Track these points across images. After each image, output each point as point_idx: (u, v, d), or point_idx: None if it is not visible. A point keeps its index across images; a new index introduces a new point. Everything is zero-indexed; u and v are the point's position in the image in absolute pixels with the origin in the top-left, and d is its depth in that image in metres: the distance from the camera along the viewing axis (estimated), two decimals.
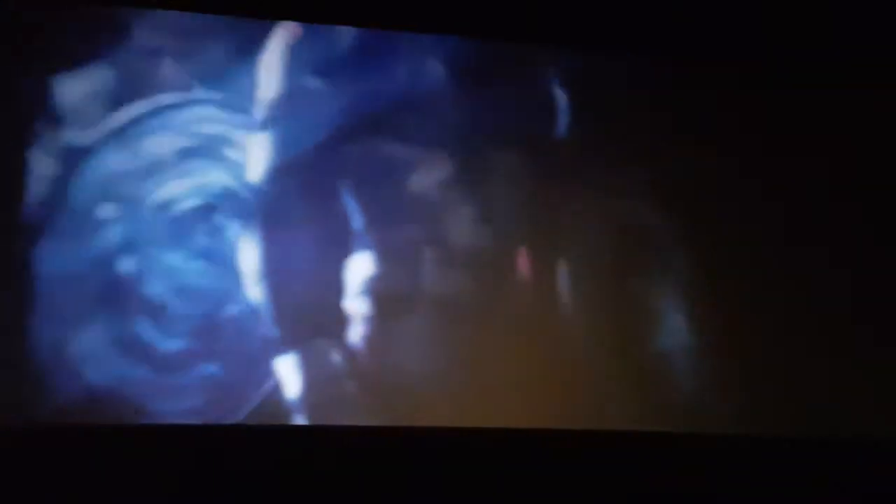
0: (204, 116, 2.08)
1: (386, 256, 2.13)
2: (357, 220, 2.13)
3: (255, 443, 2.18)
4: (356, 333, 2.11)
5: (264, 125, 2.10)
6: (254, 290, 2.07)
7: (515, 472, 2.29)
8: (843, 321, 2.57)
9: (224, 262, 2.02)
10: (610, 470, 2.39)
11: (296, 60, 2.13)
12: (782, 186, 2.59)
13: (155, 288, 1.99)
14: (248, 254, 2.06)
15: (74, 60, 2.09)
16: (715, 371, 2.45)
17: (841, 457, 2.55)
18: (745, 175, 2.55)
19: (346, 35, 2.16)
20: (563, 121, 2.32)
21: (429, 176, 2.18)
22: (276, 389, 2.09)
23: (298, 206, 2.11)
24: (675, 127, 2.48)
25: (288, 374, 2.06)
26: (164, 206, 2.02)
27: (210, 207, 2.03)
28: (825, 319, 2.55)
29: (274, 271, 2.07)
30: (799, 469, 2.52)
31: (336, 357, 2.09)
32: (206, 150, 2.06)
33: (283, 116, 2.12)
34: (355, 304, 2.10)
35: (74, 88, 2.05)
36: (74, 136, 2.03)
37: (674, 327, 2.41)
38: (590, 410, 2.32)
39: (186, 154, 2.06)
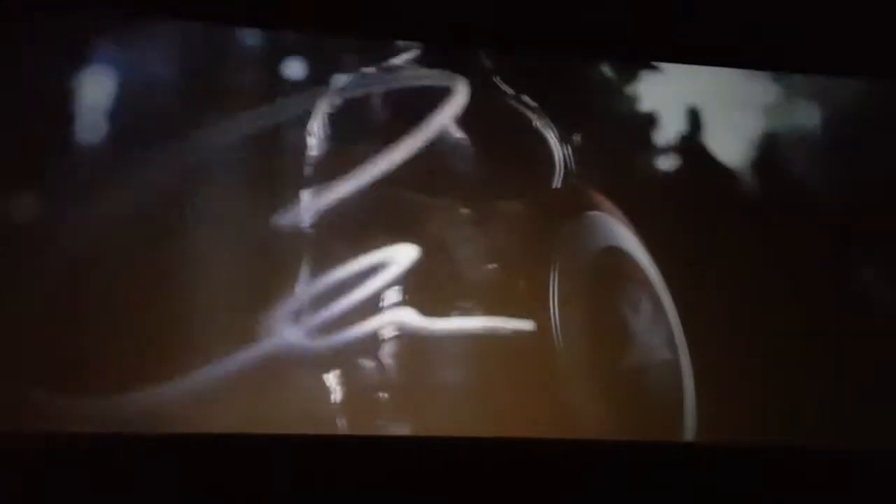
0: None
1: (411, 288, 2.42)
2: (388, 257, 2.43)
3: (296, 451, 2.35)
4: (388, 352, 2.40)
5: (311, 180, 2.42)
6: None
7: (514, 480, 2.45)
8: (825, 330, 2.69)
9: None
10: (617, 476, 2.51)
11: (335, 127, 2.45)
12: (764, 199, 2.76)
13: None
14: (302, 286, 2.36)
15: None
16: (696, 382, 2.57)
17: (818, 465, 2.61)
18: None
19: (377, 105, 2.48)
20: (560, 173, 2.59)
21: (446, 219, 2.48)
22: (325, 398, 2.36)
23: (340, 246, 2.41)
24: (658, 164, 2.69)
25: (333, 385, 2.34)
26: None
27: None
28: (804, 330, 2.67)
29: (320, 301, 2.36)
30: (778, 477, 2.60)
31: (371, 372, 2.37)
32: None
33: (326, 172, 2.43)
34: (387, 329, 2.39)
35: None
36: None
37: (656, 343, 2.58)
38: (587, 421, 2.49)
39: None
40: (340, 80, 2.48)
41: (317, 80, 2.48)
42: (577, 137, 2.59)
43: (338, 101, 2.45)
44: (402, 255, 2.41)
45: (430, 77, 2.51)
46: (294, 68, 2.47)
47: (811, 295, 2.73)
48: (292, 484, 2.31)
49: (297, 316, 2.31)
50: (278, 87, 2.47)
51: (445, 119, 2.42)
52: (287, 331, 2.27)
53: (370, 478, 2.34)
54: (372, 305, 2.39)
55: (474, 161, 2.51)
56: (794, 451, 2.62)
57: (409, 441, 2.40)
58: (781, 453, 2.61)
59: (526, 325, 2.46)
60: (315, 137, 2.43)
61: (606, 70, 2.70)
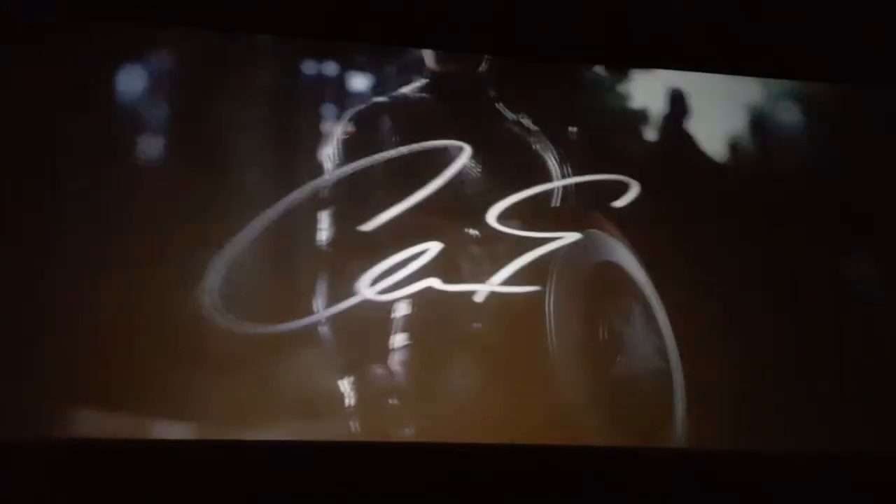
0: None
1: (419, 302, 2.55)
2: (399, 274, 2.57)
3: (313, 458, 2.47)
4: (397, 361, 2.54)
5: (329, 202, 2.57)
6: (322, 328, 2.51)
7: (510, 487, 2.52)
8: (818, 336, 2.77)
9: None
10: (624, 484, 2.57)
11: (350, 154, 2.59)
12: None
13: None
14: (320, 300, 2.53)
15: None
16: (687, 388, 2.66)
17: (808, 472, 2.66)
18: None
19: (388, 134, 2.63)
20: (558, 192, 2.72)
21: (453, 238, 2.62)
22: (339, 402, 2.50)
23: (354, 263, 2.56)
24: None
25: (347, 390, 2.49)
26: None
27: None
28: (797, 336, 2.75)
29: (338, 313, 2.52)
30: (770, 482, 2.64)
31: (382, 378, 2.51)
32: None
33: (343, 195, 2.57)
34: (398, 338, 2.54)
35: None
36: None
37: (649, 351, 2.68)
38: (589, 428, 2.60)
39: None
40: (354, 105, 2.63)
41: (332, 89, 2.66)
42: (573, 129, 2.74)
43: (351, 128, 2.60)
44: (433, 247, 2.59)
45: (440, 138, 2.66)
46: (309, 69, 2.64)
47: (806, 301, 2.80)
48: (292, 490, 2.45)
49: (374, 282, 2.54)
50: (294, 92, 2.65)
51: (454, 170, 2.62)
52: (367, 290, 2.55)
53: (371, 483, 2.47)
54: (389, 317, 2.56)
55: (478, 184, 2.65)
56: (787, 456, 2.68)
57: (408, 447, 2.54)
58: (774, 459, 2.67)
59: (523, 332, 2.60)
60: (330, 163, 2.59)
61: (596, 79, 2.83)
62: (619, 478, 2.58)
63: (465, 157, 2.62)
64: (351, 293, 2.55)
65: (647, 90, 2.83)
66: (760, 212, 2.85)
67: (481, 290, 2.59)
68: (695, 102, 2.85)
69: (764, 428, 2.69)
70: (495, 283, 2.60)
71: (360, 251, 2.58)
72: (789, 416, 2.70)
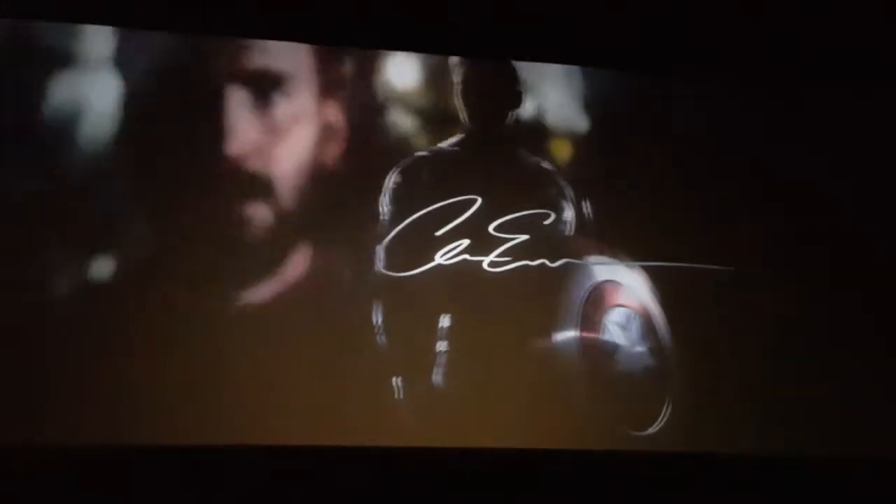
0: None
1: (459, 317, 2.93)
2: (445, 294, 2.97)
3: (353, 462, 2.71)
4: (440, 364, 2.88)
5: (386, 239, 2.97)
6: (380, 338, 2.88)
7: (507, 490, 2.74)
8: (817, 339, 2.95)
9: None
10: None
11: (398, 200, 3.03)
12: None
13: None
14: (378, 316, 2.90)
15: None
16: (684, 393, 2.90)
17: (810, 476, 2.80)
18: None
19: (426, 183, 3.08)
20: (572, 224, 3.09)
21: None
22: (390, 397, 2.84)
23: (410, 288, 2.95)
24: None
25: (399, 387, 2.83)
26: None
27: None
28: (798, 341, 2.95)
29: (390, 326, 2.91)
30: (763, 487, 2.80)
31: (427, 379, 2.87)
32: None
33: (398, 232, 2.98)
34: (442, 346, 2.90)
35: None
36: None
37: (647, 356, 2.95)
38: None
39: None
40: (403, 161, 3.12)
41: None
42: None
43: (398, 178, 3.08)
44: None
45: (469, 185, 3.08)
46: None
47: (806, 303, 3.00)
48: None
49: (443, 255, 2.94)
50: None
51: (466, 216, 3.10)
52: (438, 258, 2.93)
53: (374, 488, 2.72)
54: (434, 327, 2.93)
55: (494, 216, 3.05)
56: (781, 460, 2.82)
57: (413, 452, 2.79)
58: (768, 462, 2.82)
59: (532, 341, 2.96)
60: (385, 207, 3.01)
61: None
62: (626, 483, 2.78)
63: (476, 205, 3.12)
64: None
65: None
66: (760, 215, 3.09)
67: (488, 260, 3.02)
68: (698, 112, 3.17)
69: (759, 431, 2.90)
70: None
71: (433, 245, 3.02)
72: (785, 419, 2.91)
